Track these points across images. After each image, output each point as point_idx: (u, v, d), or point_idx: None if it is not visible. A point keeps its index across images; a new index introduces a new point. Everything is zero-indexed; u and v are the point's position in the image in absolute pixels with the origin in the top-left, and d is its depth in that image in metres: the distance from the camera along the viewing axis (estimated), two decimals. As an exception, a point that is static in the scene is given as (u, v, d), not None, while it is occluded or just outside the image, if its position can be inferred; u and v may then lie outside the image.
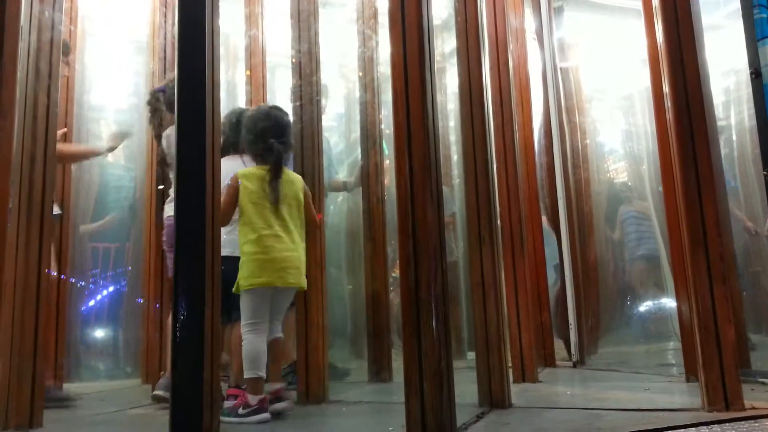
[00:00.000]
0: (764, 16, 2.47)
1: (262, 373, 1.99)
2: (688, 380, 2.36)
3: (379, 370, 2.92)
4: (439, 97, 3.88)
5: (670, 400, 2.05)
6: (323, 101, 2.50)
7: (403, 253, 1.72)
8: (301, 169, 2.41)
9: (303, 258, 2.15)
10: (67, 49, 2.39)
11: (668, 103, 2.25)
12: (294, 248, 2.11)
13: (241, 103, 3.39)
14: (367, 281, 3.02)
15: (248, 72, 3.26)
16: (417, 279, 1.70)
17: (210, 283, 1.58)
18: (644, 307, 3.42)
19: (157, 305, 2.67)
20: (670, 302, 2.99)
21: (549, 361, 3.14)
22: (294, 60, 2.46)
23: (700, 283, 1.87)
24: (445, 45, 3.81)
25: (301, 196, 2.17)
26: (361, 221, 3.10)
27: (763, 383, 2.19)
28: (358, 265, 3.30)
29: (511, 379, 2.24)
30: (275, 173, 2.08)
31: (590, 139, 3.59)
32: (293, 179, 2.17)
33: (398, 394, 1.65)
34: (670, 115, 2.23)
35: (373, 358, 2.95)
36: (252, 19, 3.15)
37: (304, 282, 2.15)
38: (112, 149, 2.86)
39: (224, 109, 3.50)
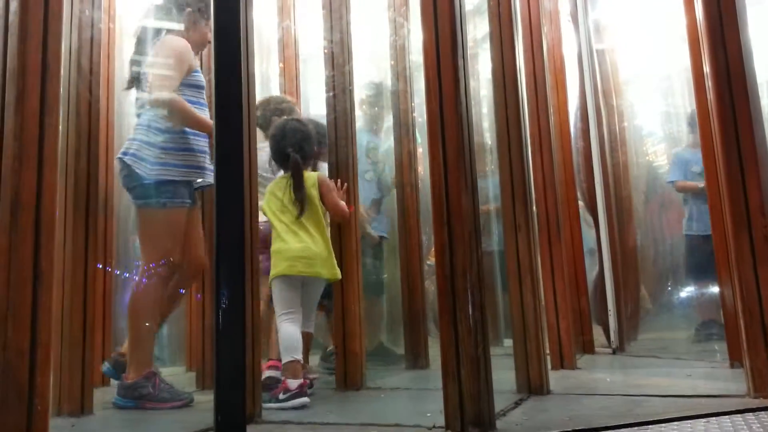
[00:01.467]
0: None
1: (299, 357, 2.07)
2: (732, 366, 2.31)
3: (416, 357, 2.94)
4: (472, 83, 3.85)
5: (713, 386, 2.01)
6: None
7: (438, 241, 1.73)
8: (335, 159, 2.43)
9: (323, 250, 2.22)
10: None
11: (709, 83, 2.19)
12: (311, 241, 2.19)
13: (276, 93, 3.43)
14: (402, 269, 3.03)
15: (281, 64, 3.29)
16: (453, 267, 1.70)
17: (249, 273, 1.62)
18: (686, 292, 3.35)
19: (199, 296, 2.74)
20: (713, 285, 2.92)
21: (588, 347, 3.11)
22: (326, 50, 2.47)
23: (744, 266, 1.82)
24: (477, 30, 3.76)
25: (314, 192, 2.24)
26: (396, 210, 3.11)
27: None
28: (393, 254, 3.32)
29: (549, 365, 2.23)
30: (295, 181, 2.20)
31: (628, 121, 3.51)
32: (306, 177, 2.25)
33: (435, 380, 1.66)
34: (711, 96, 2.16)
35: (410, 345, 2.97)
36: (285, 11, 3.18)
37: (329, 273, 2.23)
38: None
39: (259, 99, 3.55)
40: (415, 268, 2.98)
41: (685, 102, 3.51)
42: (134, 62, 2.33)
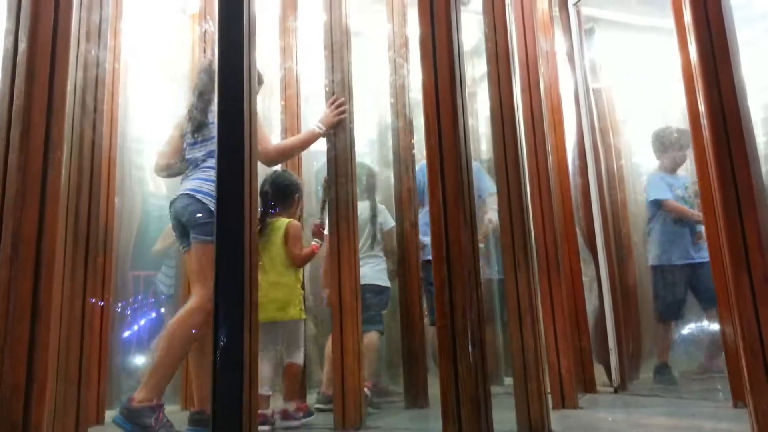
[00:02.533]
0: (803, 30, 2.41)
1: (263, 392, 2.32)
2: (735, 406, 2.28)
3: (416, 397, 2.90)
4: (470, 122, 3.91)
5: (717, 426, 1.97)
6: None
7: (438, 278, 1.73)
8: (336, 196, 2.44)
9: (279, 294, 2.53)
10: (261, 80, 2.52)
11: (704, 122, 2.22)
12: (270, 286, 2.51)
13: (277, 130, 3.47)
14: (402, 306, 3.02)
15: (283, 102, 3.34)
16: (452, 304, 1.70)
17: (248, 311, 1.61)
18: (687, 330, 3.32)
19: (194, 331, 2.71)
20: (714, 323, 2.90)
21: (589, 386, 3.07)
22: (327, 89, 2.52)
23: (744, 305, 1.81)
24: (475, 70, 3.84)
25: (277, 240, 2.58)
26: (395, 246, 3.11)
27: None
28: (393, 291, 3.31)
29: (550, 405, 2.20)
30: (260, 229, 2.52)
31: (626, 159, 3.54)
32: (277, 226, 2.57)
33: (435, 420, 1.64)
34: (706, 134, 2.19)
35: (409, 384, 2.93)
36: (287, 52, 3.24)
37: (280, 314, 2.51)
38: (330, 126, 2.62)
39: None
40: (415, 306, 2.96)
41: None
42: (199, 110, 2.47)
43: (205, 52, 2.96)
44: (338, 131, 2.45)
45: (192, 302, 2.23)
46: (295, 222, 2.64)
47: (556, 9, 3.50)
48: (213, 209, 2.19)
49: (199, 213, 2.28)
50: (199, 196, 2.29)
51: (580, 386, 2.98)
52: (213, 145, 2.30)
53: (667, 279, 3.26)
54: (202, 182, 2.33)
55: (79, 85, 2.14)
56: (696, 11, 2.28)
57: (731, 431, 1.86)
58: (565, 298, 2.73)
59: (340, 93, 2.47)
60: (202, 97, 2.46)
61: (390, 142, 3.18)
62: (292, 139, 2.81)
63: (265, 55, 3.38)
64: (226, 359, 1.28)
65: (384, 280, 3.02)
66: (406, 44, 3.11)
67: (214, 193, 2.24)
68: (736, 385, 2.35)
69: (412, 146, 3.11)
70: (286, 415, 2.44)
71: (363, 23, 3.34)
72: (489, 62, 2.29)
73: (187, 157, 2.44)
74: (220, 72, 1.66)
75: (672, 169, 3.32)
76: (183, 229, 2.37)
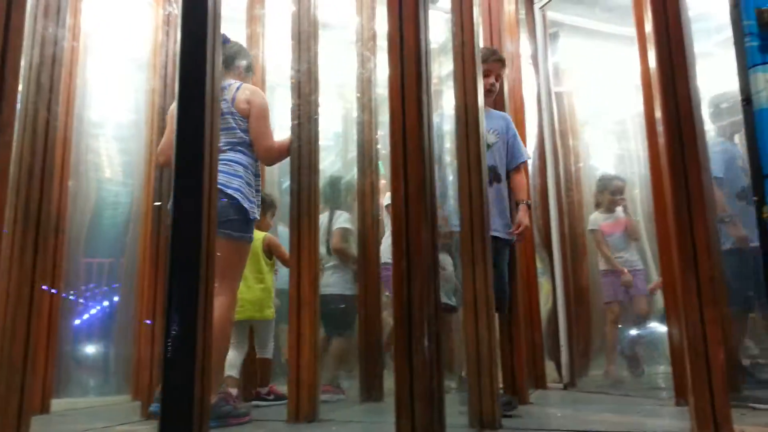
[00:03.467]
0: (755, 44, 2.52)
1: (232, 374, 2.81)
2: (677, 404, 2.36)
3: (371, 390, 2.91)
4: (435, 119, 3.93)
5: (659, 423, 2.05)
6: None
7: (397, 271, 1.74)
8: (297, 187, 2.43)
9: (256, 295, 2.99)
10: (250, 68, 2.60)
11: (660, 128, 2.29)
12: (248, 290, 2.95)
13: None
14: (360, 300, 3.02)
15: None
16: (410, 298, 1.71)
17: (203, 301, 1.58)
18: (635, 330, 3.43)
19: (149, 321, 2.66)
20: (661, 326, 3.00)
21: (540, 382, 3.14)
22: (293, 80, 2.49)
23: (691, 306, 1.88)
24: (442, 68, 3.86)
25: (258, 250, 2.99)
26: (356, 240, 3.11)
27: (754, 408, 2.20)
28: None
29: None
30: None
31: (583, 162, 3.63)
32: (255, 237, 2.65)
33: (389, 413, 1.65)
34: (662, 141, 2.26)
35: (365, 377, 2.94)
36: (253, 39, 3.20)
37: (257, 314, 2.99)
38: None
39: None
40: (373, 300, 2.97)
41: (638, 145, 3.65)
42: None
43: (168, 35, 2.89)
44: (302, 122, 2.44)
45: (226, 298, 2.27)
46: (269, 235, 3.11)
47: (522, 12, 3.55)
48: (245, 206, 2.31)
49: (231, 209, 2.28)
50: (230, 191, 2.28)
51: (532, 382, 3.04)
52: (231, 136, 2.37)
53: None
54: (230, 177, 2.31)
55: (35, 62, 2.06)
56: (657, 22, 2.35)
57: (673, 428, 1.93)
58: (521, 296, 2.78)
59: (306, 84, 2.45)
60: None
61: (355, 137, 3.18)
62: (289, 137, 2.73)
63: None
64: (177, 348, 1.26)
65: (351, 289, 3.22)
66: (374, 38, 3.11)
67: (243, 189, 2.32)
68: (679, 384, 2.44)
69: (376, 141, 3.11)
70: (258, 396, 3.01)
71: (331, 15, 3.32)
72: (455, 60, 2.31)
73: None
74: (181, 57, 1.63)
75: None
76: None
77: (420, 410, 1.59)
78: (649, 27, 2.40)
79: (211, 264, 1.72)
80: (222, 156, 2.34)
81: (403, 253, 1.74)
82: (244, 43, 3.21)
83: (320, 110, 2.48)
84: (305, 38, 2.47)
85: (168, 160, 2.55)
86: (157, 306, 2.66)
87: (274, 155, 2.44)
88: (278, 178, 3.73)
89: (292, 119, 2.45)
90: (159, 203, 2.67)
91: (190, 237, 1.43)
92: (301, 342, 2.34)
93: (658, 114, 2.38)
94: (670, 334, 2.45)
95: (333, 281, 3.24)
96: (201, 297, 1.46)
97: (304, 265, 2.39)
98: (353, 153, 3.26)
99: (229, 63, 2.48)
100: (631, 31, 2.70)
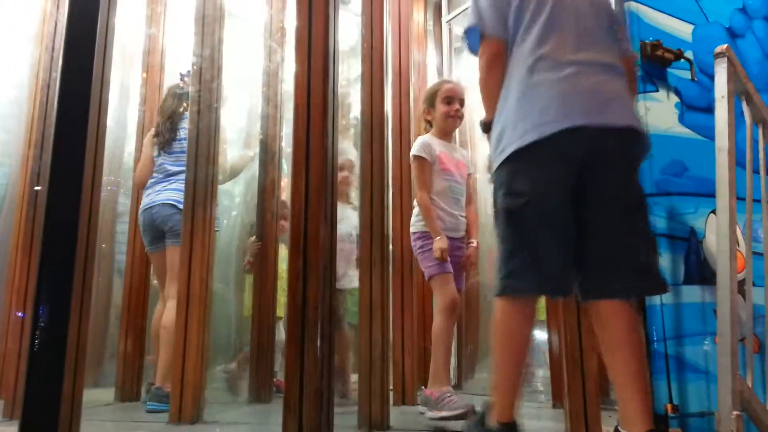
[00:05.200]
0: (638, 74, 2.77)
1: None
2: (554, 406, 2.51)
3: (260, 391, 2.85)
4: (342, 121, 3.93)
5: (536, 425, 2.16)
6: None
7: (292, 269, 1.71)
8: (193, 177, 2.32)
9: None
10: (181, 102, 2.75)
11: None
12: None
13: (135, 105, 3.23)
14: (254, 298, 2.94)
15: (145, 74, 3.12)
16: (305, 297, 1.69)
17: (79, 291, 1.47)
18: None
19: (20, 314, 2.44)
20: (542, 332, 3.18)
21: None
22: (195, 65, 2.39)
23: (569, 313, 2.00)
24: (351, 71, 3.87)
25: None
26: (254, 236, 3.03)
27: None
28: (246, 283, 3.22)
29: (391, 401, 2.27)
30: None
31: (481, 174, 3.77)
32: None
33: (277, 414, 1.61)
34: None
35: (255, 377, 2.86)
36: (153, 19, 3.03)
37: None
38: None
39: (112, 110, 3.32)
40: (267, 298, 2.91)
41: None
42: (168, 129, 2.77)
43: (58, 6, 2.66)
44: (202, 109, 2.33)
45: (174, 299, 2.40)
46: None
47: (430, 23, 3.64)
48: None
49: (180, 222, 2.44)
50: (180, 206, 2.47)
51: (421, 384, 3.11)
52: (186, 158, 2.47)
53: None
54: (179, 193, 2.57)
55: None
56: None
57: (548, 429, 2.04)
58: (415, 299, 2.83)
59: (208, 70, 2.35)
60: (171, 119, 2.76)
61: (258, 131, 3.10)
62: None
63: (128, 22, 3.14)
64: (46, 342, 1.16)
65: None
66: (282, 32, 3.05)
67: None
68: (556, 388, 2.60)
69: (280, 137, 3.05)
70: None
71: (240, 3, 3.23)
72: (363, 63, 2.32)
73: (160, 166, 2.77)
74: (68, 31, 1.51)
75: None
76: (158, 233, 2.70)
77: (308, 410, 1.57)
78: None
79: (90, 255, 1.60)
80: (179, 175, 2.60)
81: (300, 252, 1.72)
82: (142, 22, 3.04)
83: (222, 99, 2.40)
84: (210, 22, 2.37)
85: (142, 182, 2.82)
86: (29, 297, 2.44)
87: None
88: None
89: (192, 106, 2.35)
90: (38, 188, 2.46)
91: (66, 225, 1.32)
92: (187, 341, 2.24)
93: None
94: (550, 339, 2.60)
95: None
96: (76, 289, 1.35)
97: (195, 258, 2.29)
98: (257, 149, 3.17)
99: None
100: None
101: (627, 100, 1.44)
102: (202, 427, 2.11)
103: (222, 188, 2.95)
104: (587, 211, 1.38)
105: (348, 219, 2.90)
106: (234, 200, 3.86)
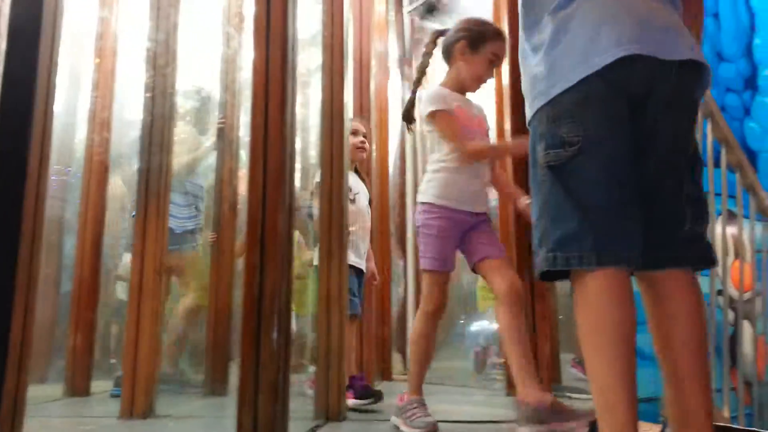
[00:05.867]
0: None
1: None
2: (508, 395, 2.56)
3: (215, 383, 2.81)
4: (302, 111, 3.88)
5: (491, 412, 2.20)
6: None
7: (249, 260, 1.68)
8: (147, 166, 2.26)
9: None
10: None
11: (509, 137, 2.47)
12: None
13: (87, 89, 3.11)
14: (211, 290, 2.89)
15: (97, 59, 3.01)
16: (262, 288, 1.67)
17: (24, 287, 1.40)
18: (475, 326, 3.66)
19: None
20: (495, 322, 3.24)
21: (386, 374, 3.23)
22: (150, 50, 2.32)
23: (524, 301, 2.04)
24: (311, 60, 3.82)
25: None
26: (211, 228, 2.97)
27: (570, 397, 2.44)
28: (205, 274, 3.16)
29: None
30: None
31: (441, 165, 3.79)
32: None
33: (232, 407, 1.59)
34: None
35: (211, 370, 2.82)
36: (106, 2, 2.92)
37: None
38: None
39: (62, 97, 3.20)
40: (223, 292, 2.86)
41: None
42: None
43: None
44: (156, 95, 2.26)
45: None
46: None
47: (392, 14, 3.63)
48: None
49: None
50: None
51: (378, 374, 3.13)
52: None
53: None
54: None
55: None
56: (512, 36, 2.53)
57: (501, 416, 2.08)
58: (374, 290, 2.84)
59: (162, 55, 2.29)
60: None
61: (215, 119, 3.03)
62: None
63: (79, 3, 3.02)
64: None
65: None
66: (241, 18, 2.99)
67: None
68: (510, 376, 2.65)
69: (238, 126, 2.99)
70: None
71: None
72: (324, 52, 2.30)
73: None
74: (11, 14, 1.43)
75: None
76: None
77: (263, 403, 1.55)
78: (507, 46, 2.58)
79: (36, 247, 1.54)
80: None
81: (257, 242, 1.69)
82: (94, 5, 2.93)
83: (177, 85, 2.33)
84: (165, 5, 2.30)
85: None
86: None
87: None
88: (128, 159, 3.45)
89: (145, 92, 2.28)
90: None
91: (10, 216, 1.26)
92: (139, 333, 2.18)
93: (507, 125, 2.57)
94: (505, 329, 2.64)
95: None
96: (20, 282, 1.29)
97: (148, 250, 2.24)
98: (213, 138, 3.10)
99: None
100: (491, 46, 2.86)
101: (685, 30, 1.18)
102: (154, 422, 2.07)
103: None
104: (641, 163, 1.13)
105: (365, 192, 2.64)
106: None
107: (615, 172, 1.09)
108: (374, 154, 3.08)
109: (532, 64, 1.21)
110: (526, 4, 1.25)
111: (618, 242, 1.07)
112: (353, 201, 2.47)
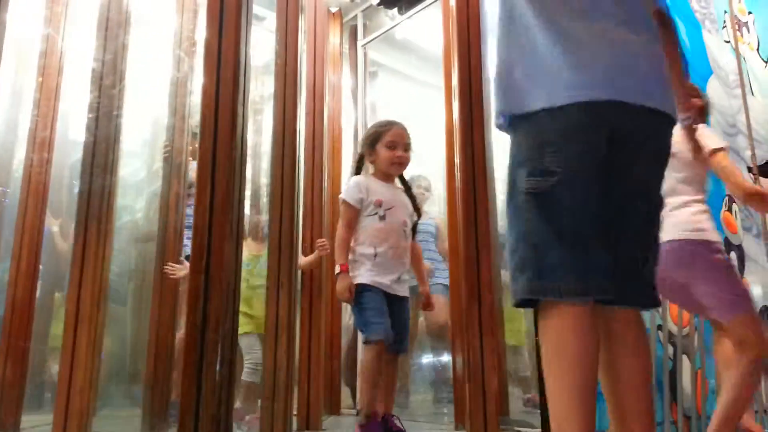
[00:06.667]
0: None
1: None
2: (456, 428, 2.54)
3: (155, 420, 2.67)
4: (255, 138, 3.85)
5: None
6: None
7: (193, 288, 1.63)
8: (88, 188, 2.18)
9: None
10: None
11: (458, 172, 2.51)
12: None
13: (27, 110, 3.00)
14: (152, 320, 2.78)
15: (40, 78, 2.91)
16: (205, 317, 1.62)
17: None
18: (426, 358, 3.65)
19: None
20: (448, 354, 3.24)
21: (334, 408, 3.16)
22: (96, 69, 2.26)
23: (473, 335, 2.05)
24: (265, 87, 3.82)
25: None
26: (154, 254, 2.87)
27: (518, 431, 2.45)
28: (146, 303, 3.04)
29: (294, 426, 2.21)
30: None
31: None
32: None
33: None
34: (458, 183, 2.48)
35: (150, 405, 2.69)
36: (53, 19, 2.84)
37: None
38: None
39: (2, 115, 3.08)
40: (166, 317, 2.75)
41: (438, 185, 3.93)
42: None
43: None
44: (100, 116, 2.20)
45: None
46: None
47: (346, 47, 3.68)
48: None
49: None
50: None
51: (326, 408, 3.05)
52: None
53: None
54: None
55: None
56: (462, 76, 2.60)
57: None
58: (324, 321, 2.79)
59: (109, 75, 2.23)
60: None
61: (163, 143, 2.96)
62: None
63: (23, 20, 2.93)
64: None
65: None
66: (192, 42, 2.96)
67: None
68: (459, 409, 2.63)
69: (188, 150, 2.93)
70: None
71: (148, 10, 3.10)
72: (277, 80, 2.30)
73: None
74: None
75: None
76: None
77: (204, 438, 1.49)
78: (455, 80, 2.65)
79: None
80: None
81: (202, 269, 1.65)
82: (41, 22, 2.84)
83: (124, 106, 2.27)
84: (113, 26, 2.26)
85: None
86: None
87: None
88: (69, 180, 3.33)
89: (89, 112, 2.21)
90: None
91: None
92: (75, 363, 2.07)
93: (457, 159, 2.62)
94: (454, 361, 2.64)
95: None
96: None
97: (87, 276, 2.14)
98: (161, 163, 3.02)
99: None
100: (441, 80, 2.93)
101: (664, 75, 1.20)
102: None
103: (122, 203, 2.79)
104: (608, 200, 1.14)
105: (404, 205, 2.32)
106: (135, 215, 3.67)
107: (591, 206, 1.10)
108: (326, 182, 3.07)
109: (508, 63, 1.20)
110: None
111: (598, 274, 1.08)
112: (383, 217, 2.21)
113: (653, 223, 1.20)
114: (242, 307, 2.19)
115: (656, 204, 1.21)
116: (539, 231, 1.11)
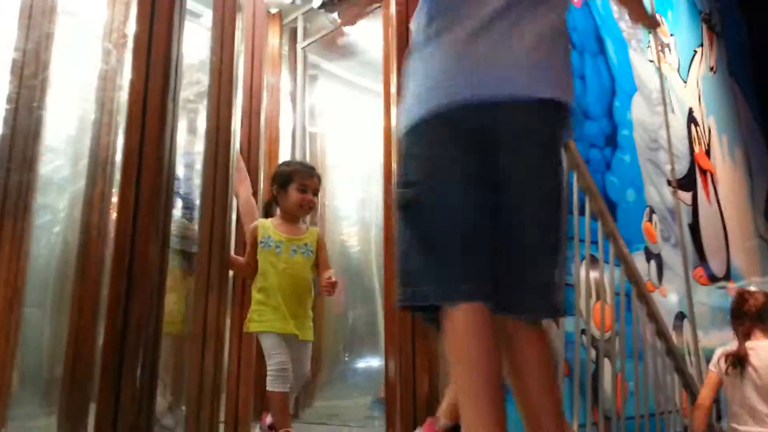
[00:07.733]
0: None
1: None
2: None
3: (73, 427, 2.54)
4: (188, 137, 3.74)
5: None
6: None
7: (113, 291, 1.56)
8: (4, 185, 2.05)
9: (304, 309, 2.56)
10: None
11: (395, 177, 2.53)
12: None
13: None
14: (72, 323, 2.64)
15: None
16: (126, 321, 1.55)
17: None
18: (361, 363, 3.64)
19: None
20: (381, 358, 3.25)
21: (264, 415, 3.10)
22: (16, 59, 2.13)
23: (405, 339, 2.06)
24: (200, 86, 3.72)
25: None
26: (75, 255, 2.73)
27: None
28: (66, 305, 2.88)
29: (221, 433, 2.15)
30: None
31: (329, 202, 3.80)
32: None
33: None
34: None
35: (66, 412, 2.55)
36: (-32, 5, 2.67)
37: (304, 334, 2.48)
38: None
39: None
40: (88, 323, 2.63)
41: (379, 191, 3.95)
42: None
43: None
44: (20, 108, 2.08)
45: None
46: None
47: (286, 48, 3.64)
48: None
49: None
50: None
51: (256, 414, 2.99)
52: None
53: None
54: None
55: None
56: (401, 83, 2.62)
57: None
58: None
59: (30, 65, 2.11)
60: None
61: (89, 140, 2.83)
62: None
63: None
64: None
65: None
66: (123, 36, 2.84)
67: None
68: (390, 413, 2.64)
69: (114, 148, 2.81)
70: None
71: (77, 1, 2.96)
72: (211, 76, 2.25)
73: None
74: None
75: None
76: None
77: (121, 448, 1.42)
78: (393, 87, 2.67)
79: None
80: None
81: (124, 272, 1.58)
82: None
83: (47, 100, 2.16)
84: (37, 13, 2.14)
85: None
86: None
87: None
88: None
89: (7, 103, 2.08)
90: None
91: None
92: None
93: (394, 165, 2.63)
94: (387, 364, 2.65)
95: None
96: None
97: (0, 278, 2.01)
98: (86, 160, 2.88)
99: None
100: (380, 87, 2.94)
101: (556, 55, 1.17)
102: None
103: (42, 202, 2.64)
104: (498, 203, 1.12)
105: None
106: (57, 215, 3.48)
107: (456, 213, 1.10)
108: (261, 185, 3.02)
109: (404, 87, 1.25)
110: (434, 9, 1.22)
111: (462, 277, 1.08)
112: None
113: (549, 228, 1.17)
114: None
115: (551, 208, 1.18)
116: (405, 239, 1.14)
